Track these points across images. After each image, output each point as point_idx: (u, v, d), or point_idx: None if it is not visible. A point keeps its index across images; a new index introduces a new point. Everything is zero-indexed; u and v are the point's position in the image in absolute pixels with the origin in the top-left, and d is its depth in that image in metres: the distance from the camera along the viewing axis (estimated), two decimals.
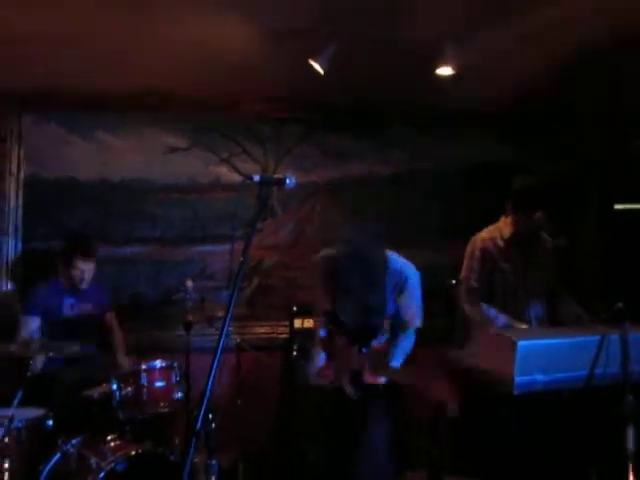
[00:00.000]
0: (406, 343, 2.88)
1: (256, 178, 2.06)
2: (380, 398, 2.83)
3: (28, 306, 3.65)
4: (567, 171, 4.77)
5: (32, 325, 3.57)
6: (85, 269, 3.69)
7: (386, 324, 2.88)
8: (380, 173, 4.81)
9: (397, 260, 2.92)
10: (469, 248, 3.19)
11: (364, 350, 2.79)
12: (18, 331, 3.56)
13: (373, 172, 4.76)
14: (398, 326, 2.88)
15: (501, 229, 3.15)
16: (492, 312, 3.03)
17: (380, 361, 2.76)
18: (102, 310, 3.88)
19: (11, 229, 4.36)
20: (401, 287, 2.85)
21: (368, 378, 2.78)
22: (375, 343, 2.81)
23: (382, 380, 2.87)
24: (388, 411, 2.86)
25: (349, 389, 2.77)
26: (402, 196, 4.79)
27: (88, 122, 4.48)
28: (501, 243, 3.11)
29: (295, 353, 4.08)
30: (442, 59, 3.56)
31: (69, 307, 3.72)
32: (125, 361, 3.62)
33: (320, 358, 2.93)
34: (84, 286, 3.73)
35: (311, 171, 4.71)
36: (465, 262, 3.18)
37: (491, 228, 3.19)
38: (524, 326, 2.99)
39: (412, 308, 2.88)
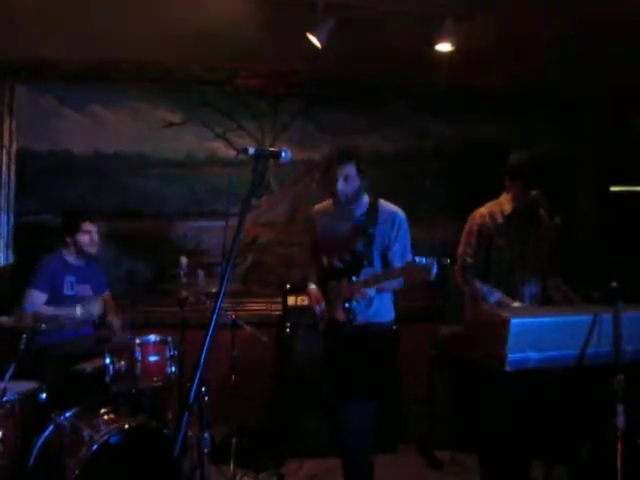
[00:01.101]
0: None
1: (251, 151, 2.04)
2: (372, 346, 2.96)
3: (35, 280, 3.62)
4: (564, 152, 4.76)
5: (38, 299, 3.56)
6: (92, 230, 3.76)
7: (380, 260, 2.99)
8: (379, 150, 4.78)
9: (388, 204, 3.08)
10: (468, 224, 3.17)
11: (354, 278, 2.89)
12: (21, 303, 3.54)
13: (372, 149, 4.73)
14: (391, 261, 2.97)
15: (502, 204, 3.13)
16: (485, 289, 3.02)
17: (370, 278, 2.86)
18: (100, 290, 3.87)
19: (3, 203, 4.32)
20: (393, 223, 2.99)
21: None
22: (365, 275, 2.90)
23: (379, 318, 3.01)
24: (379, 361, 2.98)
25: (342, 316, 2.89)
26: (401, 173, 4.77)
27: (82, 95, 4.43)
28: (500, 219, 3.09)
29: (288, 330, 4.10)
30: (441, 35, 3.52)
31: (69, 285, 3.71)
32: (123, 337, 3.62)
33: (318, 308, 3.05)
34: (93, 251, 3.77)
35: (308, 148, 4.68)
36: (463, 238, 3.17)
37: (491, 203, 3.17)
38: (517, 304, 2.99)
39: (404, 243, 2.99)
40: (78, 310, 3.51)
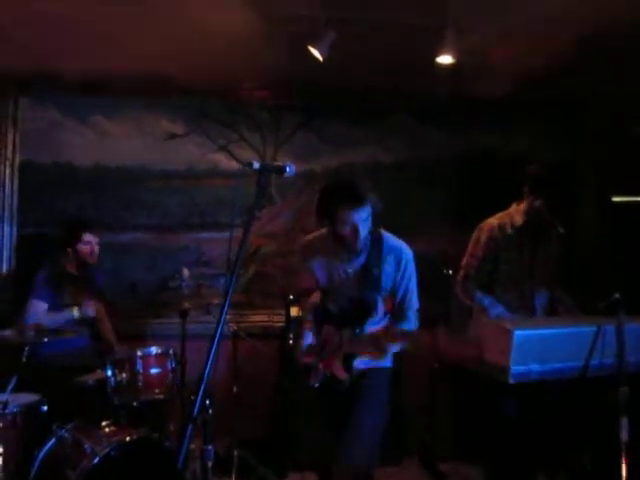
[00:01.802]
0: (409, 326, 2.63)
1: (256, 165, 2.05)
2: (373, 383, 2.66)
3: (36, 290, 3.63)
4: (566, 162, 4.76)
5: (39, 309, 3.57)
6: (93, 241, 3.77)
7: (383, 306, 2.67)
8: (381, 161, 4.79)
9: (393, 238, 2.72)
10: (475, 234, 3.10)
11: (357, 331, 2.56)
12: (22, 314, 3.55)
13: (373, 160, 4.74)
14: (397, 309, 2.67)
15: (512, 216, 3.05)
16: (487, 301, 2.98)
17: (386, 334, 2.53)
18: (98, 300, 3.87)
19: (6, 214, 4.34)
20: (399, 263, 2.63)
21: (363, 360, 2.61)
22: (372, 328, 2.60)
23: (378, 364, 2.70)
24: (380, 397, 2.68)
25: (342, 374, 2.58)
26: (403, 184, 4.78)
27: (85, 107, 4.46)
28: (510, 231, 3.01)
29: (291, 341, 4.09)
30: (442, 47, 3.54)
31: (70, 296, 3.71)
32: (119, 348, 3.63)
33: (307, 337, 2.74)
34: (93, 261, 3.78)
35: (310, 159, 4.69)
36: (469, 248, 3.10)
37: (501, 214, 3.09)
38: (517, 317, 2.96)
39: (410, 287, 2.67)
40: (75, 312, 3.56)
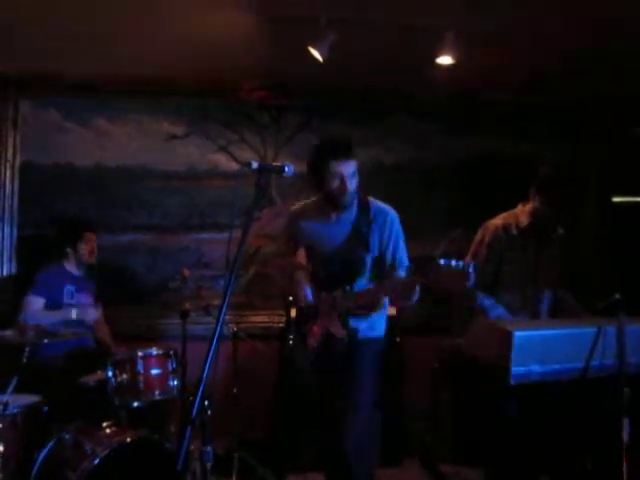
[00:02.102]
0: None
1: (255, 165, 2.05)
2: (366, 350, 2.73)
3: (34, 286, 3.64)
4: (566, 163, 4.76)
5: (36, 305, 3.58)
6: (92, 239, 3.80)
7: (372, 268, 2.74)
8: (381, 162, 4.79)
9: (378, 202, 2.82)
10: (479, 235, 3.06)
11: (348, 289, 2.64)
12: (19, 311, 3.56)
13: (374, 161, 4.74)
14: (388, 269, 2.72)
15: (517, 216, 3.02)
16: (488, 302, 2.95)
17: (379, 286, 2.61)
18: (97, 301, 3.88)
19: (6, 215, 4.34)
20: (384, 223, 2.73)
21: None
22: (361, 288, 2.66)
23: (372, 334, 2.77)
24: (373, 365, 2.75)
25: (339, 331, 2.63)
26: (403, 185, 4.77)
27: (85, 108, 4.45)
28: (515, 231, 2.98)
29: (291, 342, 4.08)
30: (442, 48, 3.54)
31: (69, 294, 3.73)
32: (117, 350, 3.63)
33: (307, 291, 2.77)
34: (92, 260, 3.81)
35: None
36: (472, 248, 3.07)
37: (506, 215, 3.06)
38: (517, 318, 2.95)
39: (399, 245, 2.75)
40: (73, 313, 3.56)
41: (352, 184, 2.64)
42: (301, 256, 2.85)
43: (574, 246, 3.33)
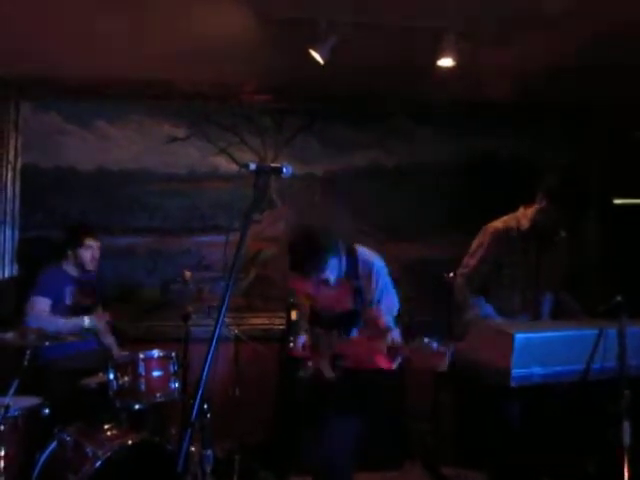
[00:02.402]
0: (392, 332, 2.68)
1: (252, 167, 2.04)
2: (358, 387, 2.78)
3: (38, 287, 3.64)
4: (567, 165, 4.76)
5: (43, 305, 3.58)
6: (95, 246, 3.79)
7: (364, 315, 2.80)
8: (381, 165, 4.79)
9: (365, 252, 2.85)
10: (480, 236, 3.07)
11: (345, 336, 2.74)
12: (24, 312, 3.56)
13: (374, 163, 4.74)
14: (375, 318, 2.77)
15: (519, 219, 3.03)
16: (477, 301, 2.97)
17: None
18: (98, 302, 3.89)
19: (8, 218, 4.34)
20: (369, 276, 2.76)
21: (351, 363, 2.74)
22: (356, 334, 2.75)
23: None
24: (361, 403, 2.80)
25: (328, 372, 2.74)
26: (403, 188, 4.77)
27: (87, 111, 4.46)
28: (516, 234, 2.99)
29: (292, 344, 4.08)
30: (443, 50, 3.54)
31: (70, 296, 3.73)
32: (120, 352, 3.64)
33: (301, 338, 2.92)
34: (92, 267, 3.79)
35: (310, 162, 4.69)
36: (472, 248, 3.08)
37: (507, 218, 3.07)
38: (499, 319, 2.94)
39: (384, 295, 2.79)
40: (86, 321, 3.58)
41: (334, 273, 2.69)
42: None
43: (576, 248, 3.33)
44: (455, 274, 3.22)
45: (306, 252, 2.62)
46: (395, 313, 2.77)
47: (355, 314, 2.77)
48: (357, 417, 2.75)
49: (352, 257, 2.79)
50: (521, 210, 3.08)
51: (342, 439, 2.71)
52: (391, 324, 2.71)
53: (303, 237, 2.70)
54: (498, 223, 3.06)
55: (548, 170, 3.04)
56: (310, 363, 2.83)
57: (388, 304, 2.78)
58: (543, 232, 3.00)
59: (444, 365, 2.25)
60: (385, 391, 2.96)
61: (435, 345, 2.27)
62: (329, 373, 2.74)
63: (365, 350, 2.65)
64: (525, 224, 3.00)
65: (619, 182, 4.73)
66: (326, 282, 2.70)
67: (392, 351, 2.50)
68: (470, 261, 3.07)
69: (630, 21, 3.27)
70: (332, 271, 2.68)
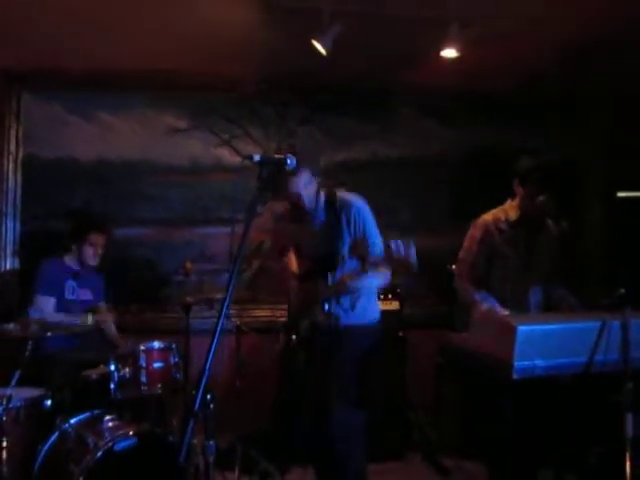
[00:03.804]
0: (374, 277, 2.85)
1: (256, 158, 2.04)
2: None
3: (41, 285, 3.64)
4: (571, 157, 4.74)
5: (47, 305, 3.59)
6: (99, 244, 3.76)
7: (349, 252, 2.92)
8: (384, 155, 4.77)
9: (345, 195, 3.00)
10: (470, 230, 3.15)
11: (330, 279, 2.85)
12: (29, 311, 3.56)
13: (377, 155, 4.72)
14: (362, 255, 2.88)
15: (507, 211, 3.10)
16: (478, 296, 3.00)
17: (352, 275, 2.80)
18: (99, 295, 3.89)
19: (9, 209, 4.34)
20: (348, 215, 2.91)
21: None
22: (342, 273, 2.86)
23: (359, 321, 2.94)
24: (360, 349, 2.92)
25: (322, 318, 2.85)
26: (406, 179, 4.76)
27: (88, 102, 4.45)
28: (505, 226, 3.06)
29: (294, 336, 4.08)
30: (447, 41, 3.52)
31: (70, 290, 3.73)
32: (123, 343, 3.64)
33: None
34: (93, 263, 3.78)
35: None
36: (465, 243, 3.15)
37: (496, 210, 3.14)
38: (506, 312, 2.95)
39: (367, 232, 2.91)
40: (90, 319, 3.60)
41: (308, 193, 2.89)
42: (292, 257, 3.12)
43: (579, 241, 3.33)
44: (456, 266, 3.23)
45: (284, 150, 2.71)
46: (379, 245, 2.86)
47: (335, 257, 2.88)
48: (361, 403, 2.84)
49: (330, 202, 2.95)
50: (508, 202, 3.14)
51: (344, 423, 2.79)
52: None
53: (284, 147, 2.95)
54: (487, 216, 3.13)
55: (519, 159, 3.07)
56: (306, 319, 2.93)
57: (372, 239, 2.89)
58: (531, 220, 3.06)
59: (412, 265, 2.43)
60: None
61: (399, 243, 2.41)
62: (321, 318, 2.86)
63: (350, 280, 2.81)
64: (512, 215, 3.07)
65: (623, 175, 4.71)
66: (301, 205, 2.87)
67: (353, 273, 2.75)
68: (466, 256, 3.11)
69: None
70: (306, 189, 2.85)
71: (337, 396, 2.80)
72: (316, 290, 2.89)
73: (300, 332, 2.96)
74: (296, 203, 2.92)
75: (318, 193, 2.95)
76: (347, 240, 2.91)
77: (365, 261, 2.75)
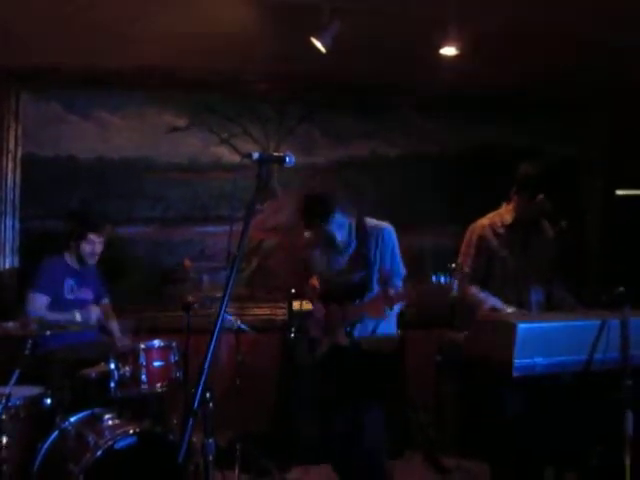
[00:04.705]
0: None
1: (255, 156, 2.03)
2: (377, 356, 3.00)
3: (37, 283, 3.64)
4: (570, 156, 4.74)
5: (40, 303, 3.58)
6: (97, 242, 3.75)
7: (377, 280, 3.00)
8: (384, 154, 4.77)
9: (372, 221, 3.10)
10: (467, 235, 3.18)
11: (357, 302, 2.93)
12: (24, 307, 3.57)
13: (376, 153, 4.72)
14: (386, 278, 2.99)
15: (502, 215, 3.14)
16: (481, 295, 3.02)
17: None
18: (99, 295, 3.89)
19: (8, 208, 4.33)
20: (377, 240, 3.01)
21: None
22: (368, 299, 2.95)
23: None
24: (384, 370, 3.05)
25: (344, 339, 2.93)
26: (405, 178, 4.76)
27: (87, 100, 4.44)
28: (501, 230, 3.09)
29: (293, 335, 4.08)
30: (446, 39, 3.52)
31: (69, 289, 3.72)
32: (126, 341, 3.64)
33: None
34: (92, 262, 3.78)
35: (313, 152, 4.67)
36: (462, 248, 3.18)
37: (492, 214, 3.18)
38: (510, 310, 2.97)
39: (394, 257, 3.03)
40: (77, 316, 3.57)
41: (341, 233, 2.98)
42: (314, 281, 3.22)
43: (578, 239, 3.34)
44: (456, 267, 3.24)
45: (314, 201, 2.94)
46: (403, 273, 2.99)
47: (366, 282, 2.97)
48: (380, 402, 2.98)
49: (360, 229, 3.04)
50: (504, 206, 3.18)
51: (374, 428, 2.93)
52: (399, 284, 2.90)
53: (312, 194, 3.02)
54: (484, 220, 3.17)
55: (520, 165, 3.09)
56: (326, 339, 3.00)
57: (396, 266, 3.02)
58: (526, 224, 3.09)
59: (447, 298, 2.59)
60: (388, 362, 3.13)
61: (443, 279, 2.52)
62: (344, 340, 2.94)
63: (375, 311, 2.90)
64: (508, 219, 3.10)
65: (622, 174, 4.72)
66: (333, 241, 2.96)
67: (388, 300, 2.77)
68: (466, 260, 3.12)
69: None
70: (339, 229, 2.94)
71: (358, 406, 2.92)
72: (341, 313, 2.96)
73: (319, 351, 3.04)
74: (328, 238, 3.00)
75: (350, 226, 3.02)
76: (376, 266, 3.00)
77: (391, 301, 2.79)
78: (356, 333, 2.95)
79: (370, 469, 2.94)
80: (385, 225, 3.08)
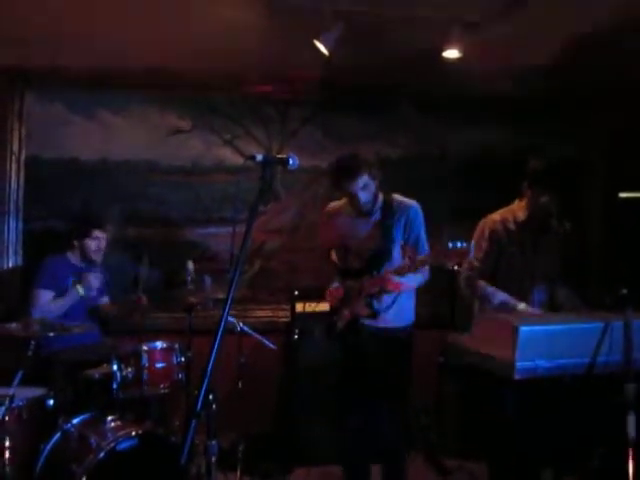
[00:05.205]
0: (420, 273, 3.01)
1: (259, 157, 2.04)
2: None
3: (41, 280, 3.66)
4: (570, 156, 4.73)
5: (45, 298, 3.60)
6: (101, 237, 3.80)
7: (400, 254, 3.03)
8: (386, 156, 4.76)
9: (401, 198, 3.17)
10: (479, 228, 3.18)
11: (375, 273, 2.97)
12: (29, 305, 3.59)
13: (379, 155, 4.71)
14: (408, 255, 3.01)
15: (515, 212, 3.13)
16: (490, 289, 3.04)
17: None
18: (102, 292, 3.90)
19: (12, 208, 4.34)
20: (407, 218, 3.08)
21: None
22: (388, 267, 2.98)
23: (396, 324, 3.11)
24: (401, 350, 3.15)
25: (363, 310, 2.99)
26: (408, 179, 4.75)
27: (91, 102, 4.45)
28: (512, 226, 3.09)
29: (296, 337, 4.08)
30: (449, 42, 3.52)
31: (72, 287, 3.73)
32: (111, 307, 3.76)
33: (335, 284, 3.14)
34: (98, 258, 3.80)
35: (315, 154, 4.66)
36: (474, 241, 3.14)
37: (504, 210, 3.17)
38: (522, 305, 2.98)
39: (420, 236, 3.09)
40: (80, 290, 3.64)
41: (365, 195, 3.03)
42: (333, 254, 3.29)
43: (581, 241, 3.33)
44: (460, 266, 3.23)
45: (346, 157, 3.04)
46: (426, 252, 2.98)
47: (384, 253, 3.02)
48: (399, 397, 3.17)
49: (387, 203, 3.12)
50: (516, 203, 3.16)
51: (394, 422, 3.13)
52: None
53: (345, 154, 3.10)
54: (495, 215, 3.16)
55: (531, 159, 3.09)
56: (346, 312, 3.04)
57: (421, 243, 3.07)
58: (539, 222, 3.07)
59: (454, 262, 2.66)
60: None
61: (459, 244, 2.57)
62: (365, 312, 3.00)
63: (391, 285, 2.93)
64: (521, 216, 3.10)
65: (625, 175, 4.71)
66: (357, 203, 3.03)
67: (410, 261, 2.81)
68: (478, 253, 3.11)
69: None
70: (363, 190, 3.00)
71: (374, 396, 3.06)
72: (360, 285, 3.00)
73: (337, 325, 3.08)
74: (355, 202, 3.07)
75: (376, 195, 3.09)
76: (399, 240, 3.06)
77: (413, 261, 2.83)
78: (375, 305, 3.01)
79: (389, 467, 3.13)
80: (412, 203, 3.15)
